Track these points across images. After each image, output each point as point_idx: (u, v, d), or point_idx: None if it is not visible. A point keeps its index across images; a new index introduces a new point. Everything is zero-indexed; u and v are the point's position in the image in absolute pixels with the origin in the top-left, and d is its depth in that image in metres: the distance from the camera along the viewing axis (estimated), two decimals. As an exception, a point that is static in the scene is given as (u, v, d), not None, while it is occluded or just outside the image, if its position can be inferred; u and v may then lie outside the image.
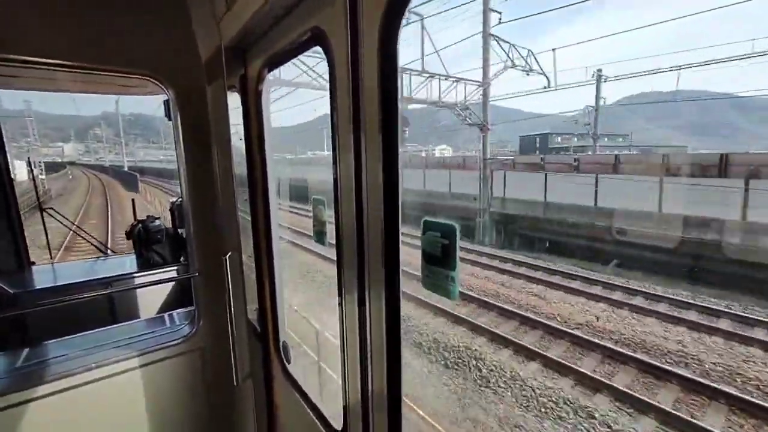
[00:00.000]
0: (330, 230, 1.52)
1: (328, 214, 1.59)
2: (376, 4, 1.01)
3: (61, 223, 4.20)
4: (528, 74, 18.26)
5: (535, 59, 18.01)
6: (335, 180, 1.30)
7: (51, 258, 4.56)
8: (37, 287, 3.19)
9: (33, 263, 3.70)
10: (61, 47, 1.98)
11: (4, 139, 3.52)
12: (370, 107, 1.09)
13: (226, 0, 1.78)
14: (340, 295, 1.35)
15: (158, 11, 2.16)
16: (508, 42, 17.26)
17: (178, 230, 3.62)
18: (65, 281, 3.27)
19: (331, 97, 1.27)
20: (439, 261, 1.00)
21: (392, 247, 1.11)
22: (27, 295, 3.04)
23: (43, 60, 1.95)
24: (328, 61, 1.27)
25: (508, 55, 17.38)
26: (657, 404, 5.63)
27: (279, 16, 1.53)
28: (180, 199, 3.34)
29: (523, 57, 17.74)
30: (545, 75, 18.38)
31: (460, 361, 7.18)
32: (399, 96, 1.06)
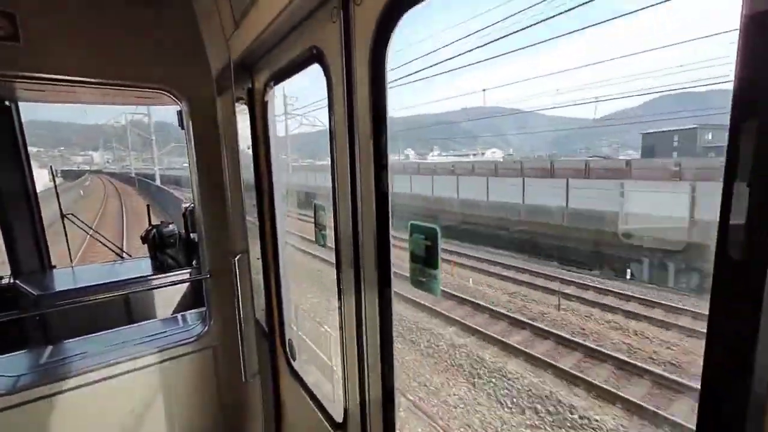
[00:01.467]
0: (329, 233, 1.62)
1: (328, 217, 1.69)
2: (367, 25, 1.12)
3: (81, 228, 4.40)
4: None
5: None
6: (333, 186, 1.40)
7: (71, 261, 4.74)
8: (58, 289, 3.35)
9: (54, 266, 3.88)
10: (85, 65, 2.14)
11: (28, 149, 3.73)
12: (362, 119, 1.19)
13: (234, 20, 1.91)
14: (339, 298, 1.44)
15: (172, 30, 2.31)
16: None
17: (191, 234, 3.77)
18: (84, 283, 3.44)
19: (329, 108, 1.38)
20: (423, 261, 1.08)
21: (383, 250, 1.20)
22: (49, 297, 3.20)
23: (69, 78, 2.11)
24: (325, 77, 1.38)
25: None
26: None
27: (282, 34, 1.65)
28: (192, 205, 3.48)
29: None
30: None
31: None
32: (387, 109, 1.15)
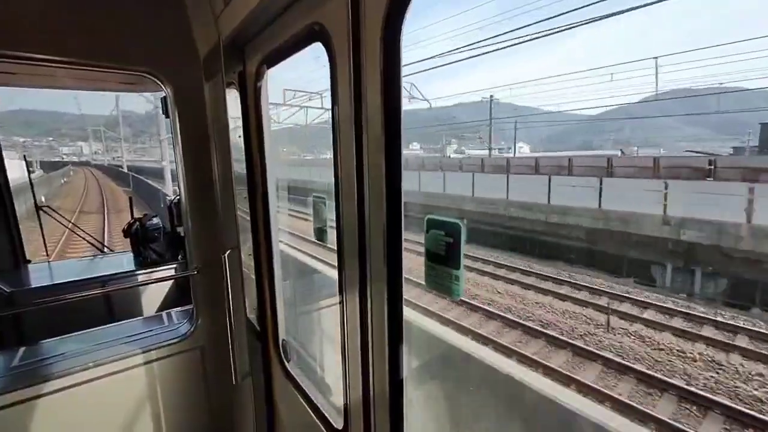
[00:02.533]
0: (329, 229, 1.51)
1: (329, 212, 1.58)
2: (379, 1, 1.00)
3: (57, 221, 4.17)
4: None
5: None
6: (336, 178, 1.28)
7: (47, 256, 4.51)
8: (33, 286, 3.16)
9: (29, 261, 3.67)
10: (59, 44, 1.95)
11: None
12: (372, 105, 1.08)
13: None
14: (340, 293, 1.34)
15: (155, 8, 2.14)
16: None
17: (177, 228, 3.60)
18: (62, 279, 3.25)
19: (332, 95, 1.26)
20: (443, 260, 0.99)
21: (394, 246, 1.10)
22: (23, 294, 3.01)
23: (41, 56, 1.93)
24: (329, 58, 1.25)
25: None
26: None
27: (278, 11, 1.52)
28: (177, 197, 3.31)
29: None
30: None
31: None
32: (402, 94, 1.04)
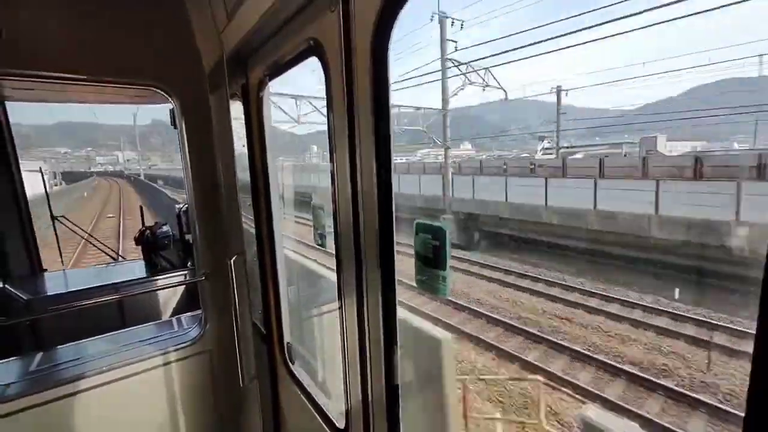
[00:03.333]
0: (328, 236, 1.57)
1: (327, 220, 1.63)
2: (368, 16, 1.06)
3: (73, 231, 4.31)
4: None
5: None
6: (333, 184, 1.34)
7: (63, 265, 4.65)
8: (50, 293, 3.27)
9: (45, 270, 3.79)
10: (71, 61, 2.06)
11: (17, 151, 3.63)
12: (364, 113, 1.14)
13: (227, 12, 1.84)
14: (339, 298, 1.39)
15: (162, 24, 2.23)
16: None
17: (185, 236, 3.69)
18: (76, 287, 3.35)
19: (327, 104, 1.32)
20: (430, 262, 1.03)
21: (387, 249, 1.14)
22: (39, 301, 3.12)
23: (53, 74, 2.03)
24: (324, 71, 1.32)
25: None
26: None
27: (277, 27, 1.59)
28: (186, 205, 3.41)
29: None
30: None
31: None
32: (390, 102, 1.10)
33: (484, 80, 20.43)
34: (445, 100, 20.33)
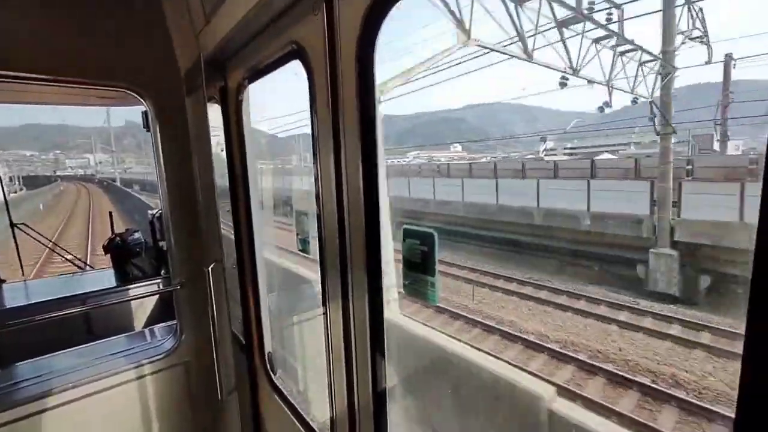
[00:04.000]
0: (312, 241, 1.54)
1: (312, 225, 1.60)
2: (353, 19, 1.05)
3: (35, 239, 4.05)
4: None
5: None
6: (317, 189, 1.32)
7: (23, 275, 4.37)
8: (8, 306, 3.07)
9: (3, 281, 3.55)
10: (40, 61, 1.95)
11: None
12: (349, 117, 1.12)
13: (205, 13, 1.79)
14: (324, 304, 1.36)
15: (136, 24, 2.15)
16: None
17: (159, 242, 3.55)
18: (38, 299, 3.16)
19: (311, 109, 1.30)
20: (418, 267, 1.02)
21: (373, 253, 1.13)
22: None
23: (22, 74, 1.92)
24: (307, 74, 1.30)
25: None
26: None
27: (258, 30, 1.56)
28: (159, 211, 3.28)
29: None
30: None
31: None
32: (376, 105, 1.09)
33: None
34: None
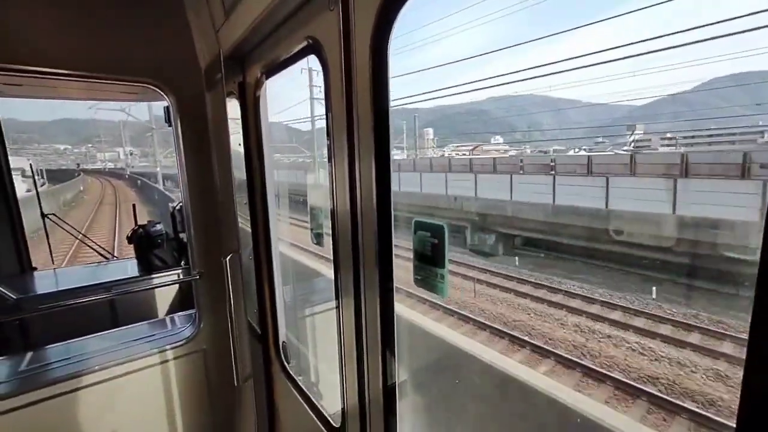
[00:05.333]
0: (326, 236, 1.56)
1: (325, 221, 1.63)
2: (367, 15, 1.06)
3: (63, 229, 4.24)
4: None
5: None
6: (331, 183, 1.34)
7: (53, 263, 4.58)
8: (39, 292, 3.22)
9: (35, 268, 3.73)
10: (65, 57, 2.03)
11: (6, 146, 3.57)
12: (363, 112, 1.14)
13: (225, 10, 1.83)
14: (337, 297, 1.39)
15: (159, 21, 2.21)
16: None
17: (179, 234, 3.66)
18: (67, 286, 3.31)
19: (326, 103, 1.32)
20: (429, 259, 1.03)
21: (385, 248, 1.15)
22: (29, 300, 3.07)
23: (48, 69, 2.00)
24: (322, 69, 1.31)
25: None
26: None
27: (276, 25, 1.58)
28: (180, 204, 3.38)
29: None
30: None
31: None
32: (390, 101, 1.10)
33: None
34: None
